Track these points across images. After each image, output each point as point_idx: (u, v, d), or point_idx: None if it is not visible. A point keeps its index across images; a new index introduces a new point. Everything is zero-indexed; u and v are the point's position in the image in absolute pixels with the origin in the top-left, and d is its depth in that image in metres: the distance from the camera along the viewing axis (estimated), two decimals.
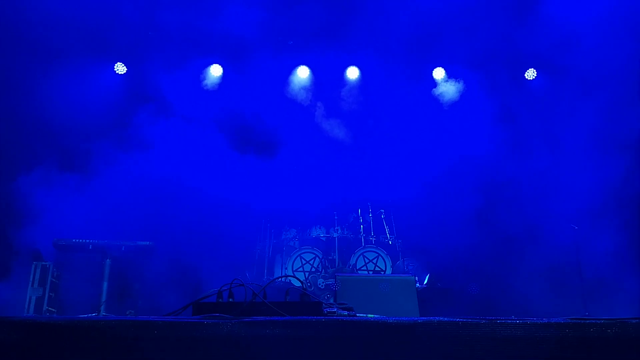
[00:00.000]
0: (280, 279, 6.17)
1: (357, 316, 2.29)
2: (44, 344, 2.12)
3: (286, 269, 7.51)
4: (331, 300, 3.65)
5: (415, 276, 4.12)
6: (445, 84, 9.67)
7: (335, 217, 8.17)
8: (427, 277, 7.99)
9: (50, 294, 6.90)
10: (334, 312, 2.40)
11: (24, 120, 7.94)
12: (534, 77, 9.48)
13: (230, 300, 2.41)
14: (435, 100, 9.57)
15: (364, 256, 7.62)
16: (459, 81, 9.51)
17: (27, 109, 7.90)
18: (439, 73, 9.76)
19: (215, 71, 9.60)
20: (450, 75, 9.62)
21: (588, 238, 7.33)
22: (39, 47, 8.03)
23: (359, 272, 7.44)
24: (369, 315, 2.42)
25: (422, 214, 8.17)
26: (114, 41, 8.76)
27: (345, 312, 2.42)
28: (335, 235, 7.93)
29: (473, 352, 2.10)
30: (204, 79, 9.50)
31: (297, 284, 3.21)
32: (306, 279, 7.30)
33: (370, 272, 7.47)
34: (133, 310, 5.95)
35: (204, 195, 7.90)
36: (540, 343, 2.11)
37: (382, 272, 7.48)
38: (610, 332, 2.18)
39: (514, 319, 2.19)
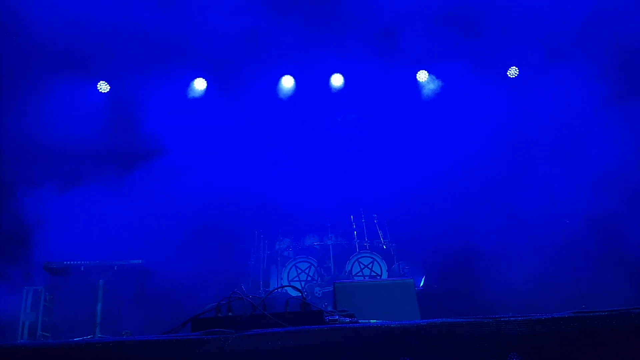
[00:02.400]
0: (278, 290, 6.11)
1: (359, 322, 2.26)
2: None
3: (282, 279, 7.46)
4: (330, 309, 3.61)
5: (412, 279, 4.10)
6: (429, 85, 9.72)
7: (328, 225, 8.15)
8: (423, 279, 7.98)
9: (44, 318, 6.80)
10: (336, 320, 2.36)
11: (9, 144, 7.84)
12: (516, 75, 9.54)
13: (230, 314, 2.36)
14: (422, 103, 9.61)
15: (359, 262, 7.58)
16: (441, 82, 9.56)
17: (11, 131, 7.80)
18: (422, 75, 9.81)
19: (199, 85, 9.57)
20: (433, 75, 9.66)
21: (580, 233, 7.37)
22: (16, 70, 7.96)
23: (355, 278, 7.41)
24: (371, 321, 2.39)
25: (415, 217, 8.18)
26: (95, 59, 8.69)
27: (347, 319, 2.38)
28: (329, 242, 7.90)
29: (480, 351, 2.08)
30: (189, 92, 9.47)
31: (295, 293, 3.17)
32: (303, 288, 7.24)
33: (366, 278, 7.43)
34: (129, 331, 5.86)
35: (194, 210, 7.84)
36: (547, 338, 2.10)
37: (378, 277, 7.45)
38: (615, 324, 2.17)
39: (517, 316, 2.18)
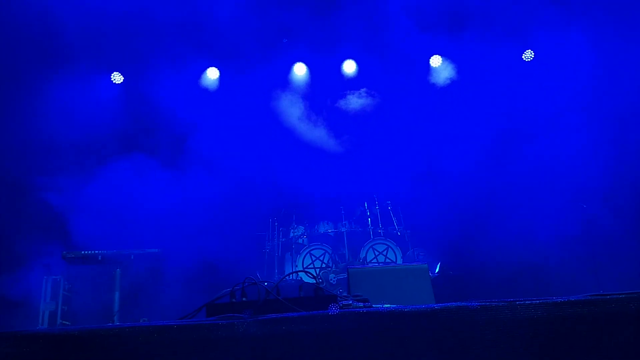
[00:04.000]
0: (292, 275, 6.11)
1: (373, 307, 2.26)
2: (63, 356, 2.10)
3: (296, 266, 7.48)
4: (345, 294, 3.61)
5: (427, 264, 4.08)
6: (442, 71, 9.64)
7: (342, 212, 8.14)
8: (438, 265, 7.95)
9: (63, 307, 6.89)
10: (350, 305, 2.36)
11: (23, 136, 7.93)
12: (531, 58, 9.41)
13: (244, 299, 2.37)
14: (436, 89, 9.54)
15: (373, 249, 7.57)
16: (455, 67, 9.47)
17: (26, 125, 7.88)
18: (435, 61, 9.72)
19: (212, 74, 9.59)
20: (447, 60, 9.57)
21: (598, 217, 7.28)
22: (25, 63, 8.03)
23: (370, 264, 7.41)
24: (385, 305, 2.39)
25: (430, 203, 8.12)
26: (107, 51, 8.73)
27: (361, 304, 2.38)
28: (343, 229, 7.90)
29: (496, 334, 2.07)
30: (202, 82, 9.50)
31: (309, 280, 3.18)
32: (317, 275, 7.26)
33: (381, 264, 7.43)
34: (147, 318, 5.94)
35: (210, 198, 7.88)
36: (563, 321, 2.08)
37: (393, 264, 7.44)
38: (632, 307, 2.14)
39: (533, 300, 2.16)
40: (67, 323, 6.89)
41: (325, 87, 9.63)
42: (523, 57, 9.39)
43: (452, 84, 9.39)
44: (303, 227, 8.16)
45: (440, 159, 8.54)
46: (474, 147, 8.53)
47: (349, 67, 9.81)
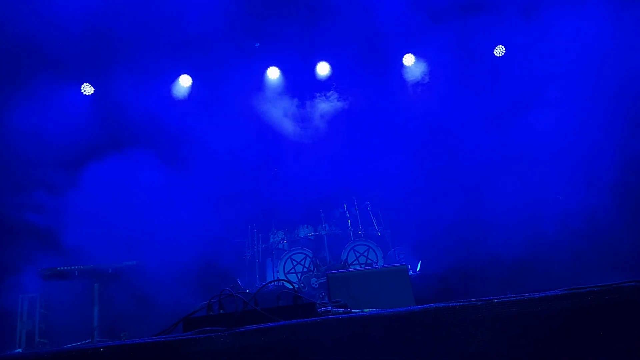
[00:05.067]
0: (272, 284, 6.08)
1: (352, 312, 2.24)
2: None
3: (278, 272, 7.44)
4: (326, 299, 3.59)
5: (407, 264, 4.08)
6: (415, 69, 9.71)
7: (322, 215, 8.12)
8: (419, 263, 7.98)
9: (41, 325, 6.75)
10: (329, 311, 2.34)
11: None
12: (502, 54, 9.51)
13: (221, 312, 2.34)
14: (409, 87, 9.59)
15: (354, 250, 7.58)
16: (427, 64, 9.54)
17: None
18: (408, 59, 9.78)
19: (185, 81, 9.50)
20: (419, 59, 9.64)
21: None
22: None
23: (351, 266, 7.40)
24: (364, 310, 2.38)
25: (409, 202, 8.14)
26: (76, 62, 8.59)
27: (340, 310, 2.36)
28: (323, 232, 7.89)
29: (475, 334, 2.07)
30: (174, 90, 9.41)
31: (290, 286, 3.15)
32: (299, 279, 7.23)
33: (363, 265, 7.43)
34: (127, 333, 5.84)
35: (187, 207, 7.79)
36: (542, 317, 2.09)
37: (375, 264, 7.45)
38: (607, 298, 2.16)
39: (510, 296, 2.16)
40: (45, 341, 6.74)
41: (299, 90, 9.60)
42: (494, 52, 9.48)
43: (427, 81, 9.46)
44: (283, 232, 8.12)
45: (417, 157, 8.57)
46: (452, 145, 8.58)
47: (323, 69, 9.81)
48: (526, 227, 7.42)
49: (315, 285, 7.09)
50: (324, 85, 9.70)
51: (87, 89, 9.10)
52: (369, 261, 7.53)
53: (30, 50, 7.65)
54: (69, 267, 6.17)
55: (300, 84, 9.69)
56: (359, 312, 2.24)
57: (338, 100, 9.45)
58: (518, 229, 7.40)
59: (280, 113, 9.38)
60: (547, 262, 7.26)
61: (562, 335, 2.11)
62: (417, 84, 9.57)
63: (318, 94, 9.52)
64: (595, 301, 2.13)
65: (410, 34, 8.95)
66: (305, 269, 7.44)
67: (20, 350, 6.35)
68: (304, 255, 7.58)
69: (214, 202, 7.97)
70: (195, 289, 7.25)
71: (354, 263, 7.47)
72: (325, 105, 9.36)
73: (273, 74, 9.71)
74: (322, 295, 6.73)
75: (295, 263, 7.50)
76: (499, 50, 9.49)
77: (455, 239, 8.03)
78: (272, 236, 8.07)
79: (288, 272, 7.39)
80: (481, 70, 9.06)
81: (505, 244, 7.48)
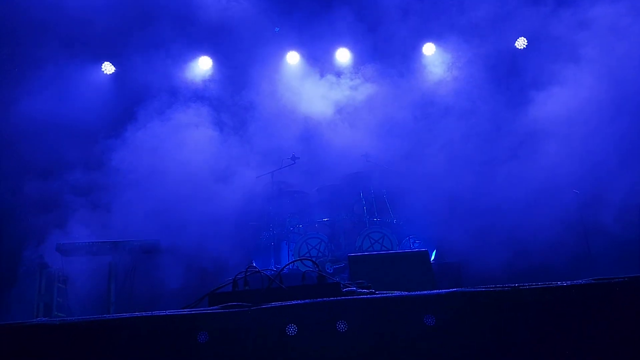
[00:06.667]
0: (292, 264, 6.07)
1: (377, 293, 2.25)
2: (63, 346, 2.08)
3: (293, 256, 7.46)
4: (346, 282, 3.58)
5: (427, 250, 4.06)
6: (435, 58, 9.65)
7: (338, 201, 8.11)
8: (434, 252, 7.97)
9: (58, 299, 6.85)
10: (354, 292, 2.35)
11: (16, 129, 7.82)
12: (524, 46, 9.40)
13: (247, 288, 2.35)
14: (427, 74, 9.56)
15: (369, 237, 7.57)
16: (448, 54, 9.48)
17: (16, 117, 7.77)
18: (429, 48, 9.70)
19: (204, 63, 9.52)
20: (440, 48, 9.57)
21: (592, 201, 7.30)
22: (16, 57, 7.93)
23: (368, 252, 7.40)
24: (389, 292, 2.37)
25: (425, 192, 8.10)
26: (97, 41, 8.64)
27: (365, 291, 2.37)
28: (339, 218, 7.87)
29: (501, 319, 2.06)
30: (194, 71, 9.44)
31: (305, 269, 3.16)
32: (313, 264, 7.22)
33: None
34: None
35: (204, 188, 7.84)
36: (567, 305, 2.08)
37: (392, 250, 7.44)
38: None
39: (537, 285, 2.16)
40: (63, 315, 6.85)
41: (317, 74, 9.55)
42: (516, 44, 9.39)
43: (444, 69, 9.42)
44: (298, 217, 8.12)
45: (435, 146, 8.53)
46: (469, 133, 8.54)
47: (342, 55, 9.78)
48: (545, 220, 7.37)
49: (330, 270, 7.11)
50: (342, 71, 9.65)
51: (108, 68, 9.14)
52: (383, 249, 7.52)
53: (49, 31, 7.70)
54: (87, 242, 6.23)
55: (320, 69, 9.65)
56: (383, 293, 2.24)
57: (356, 86, 9.39)
58: (537, 221, 7.35)
59: (297, 98, 9.35)
60: (570, 252, 7.20)
61: (588, 323, 2.10)
62: (435, 73, 9.52)
63: (336, 79, 9.47)
64: (624, 291, 2.12)
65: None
66: (320, 254, 7.45)
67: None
68: (319, 240, 7.59)
69: (231, 184, 8.01)
70: (211, 270, 7.31)
71: (368, 250, 7.47)
72: (344, 91, 9.31)
73: (292, 58, 9.71)
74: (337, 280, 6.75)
75: (310, 247, 7.52)
76: (521, 43, 9.39)
77: (470, 230, 7.99)
78: (288, 220, 8.07)
79: (303, 256, 7.41)
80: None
81: (522, 235, 7.46)
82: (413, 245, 7.81)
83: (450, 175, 8.30)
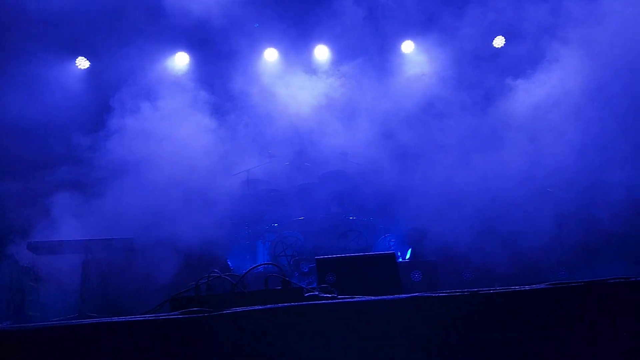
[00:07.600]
0: (259, 267, 6.07)
1: (338, 298, 2.26)
2: (25, 353, 2.05)
3: (268, 254, 7.45)
4: (314, 284, 3.60)
5: (397, 252, 4.10)
6: (414, 56, 9.71)
7: (315, 199, 8.11)
8: (409, 251, 8.02)
9: (30, 298, 6.75)
10: (316, 297, 2.36)
11: None
12: (502, 45, 9.50)
13: (209, 293, 2.35)
14: (406, 71, 9.61)
15: (345, 235, 7.60)
16: (426, 52, 9.53)
17: None
18: (407, 46, 9.76)
19: (181, 60, 9.44)
20: (418, 47, 9.63)
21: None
22: None
23: (342, 252, 7.42)
24: (354, 297, 2.39)
25: (400, 189, 8.13)
26: (72, 36, 8.51)
27: (328, 295, 2.38)
28: (315, 217, 7.88)
29: (459, 324, 2.09)
30: (171, 67, 9.35)
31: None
32: (289, 263, 7.24)
33: (353, 252, 7.46)
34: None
35: (180, 185, 7.77)
36: (526, 309, 2.11)
37: (365, 251, 7.48)
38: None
39: (497, 289, 2.19)
40: (36, 315, 6.75)
41: (295, 72, 9.53)
42: (494, 44, 9.47)
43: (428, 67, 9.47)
44: (274, 215, 8.11)
45: (410, 142, 8.56)
46: (443, 130, 8.59)
47: (321, 52, 9.78)
48: (521, 217, 7.42)
49: (305, 269, 7.11)
50: (321, 68, 9.65)
51: (83, 63, 9.01)
52: (359, 247, 7.55)
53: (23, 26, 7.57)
54: (59, 241, 6.13)
55: (298, 66, 9.63)
56: (345, 297, 2.26)
57: (334, 84, 9.39)
58: (514, 219, 7.39)
59: (275, 95, 9.31)
60: (543, 253, 7.27)
61: (547, 326, 2.14)
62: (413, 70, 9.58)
63: (314, 77, 9.46)
64: (581, 295, 2.16)
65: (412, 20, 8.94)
66: (295, 253, 7.45)
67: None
68: (295, 238, 7.59)
69: (208, 182, 7.95)
70: (184, 268, 7.24)
71: (344, 248, 7.49)
72: (322, 88, 9.30)
73: (271, 55, 9.68)
74: (311, 280, 6.76)
75: (285, 246, 7.51)
76: (498, 42, 9.48)
77: (447, 228, 8.03)
78: (264, 218, 8.05)
79: (279, 255, 7.40)
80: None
81: (501, 232, 7.50)
82: (389, 244, 7.85)
83: (429, 173, 8.34)
